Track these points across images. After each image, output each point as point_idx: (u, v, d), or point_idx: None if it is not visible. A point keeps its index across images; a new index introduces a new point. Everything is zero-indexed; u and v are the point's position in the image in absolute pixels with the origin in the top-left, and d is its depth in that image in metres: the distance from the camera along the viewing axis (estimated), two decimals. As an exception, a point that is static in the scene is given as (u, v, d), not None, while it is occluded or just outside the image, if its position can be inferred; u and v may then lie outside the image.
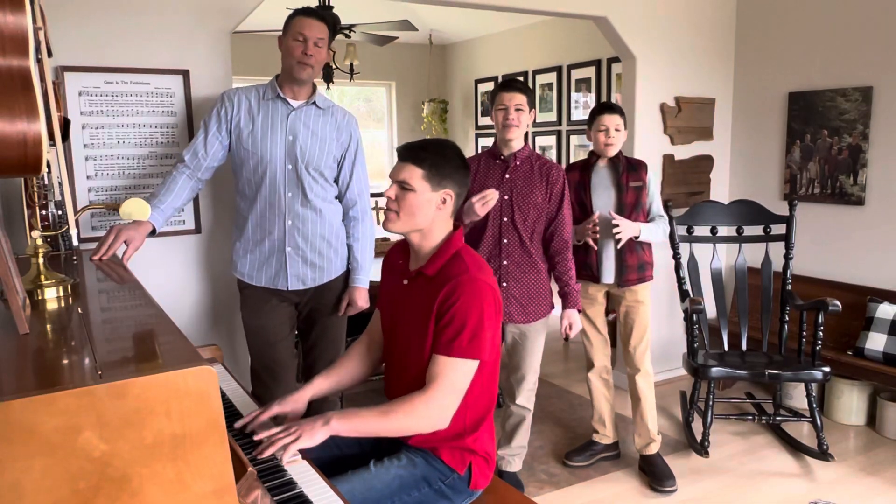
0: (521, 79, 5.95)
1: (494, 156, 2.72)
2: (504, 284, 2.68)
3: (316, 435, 1.55)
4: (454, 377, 1.62)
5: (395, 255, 1.88)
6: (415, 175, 1.67)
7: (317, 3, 4.91)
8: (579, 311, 2.78)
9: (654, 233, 2.98)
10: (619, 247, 2.93)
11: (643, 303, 3.03)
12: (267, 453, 1.52)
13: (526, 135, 2.73)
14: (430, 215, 1.69)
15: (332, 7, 4.94)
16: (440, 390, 1.61)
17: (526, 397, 2.83)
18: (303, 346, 2.73)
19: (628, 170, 2.99)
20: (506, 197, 2.65)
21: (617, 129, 2.94)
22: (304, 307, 2.63)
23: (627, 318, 3.06)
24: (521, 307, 2.69)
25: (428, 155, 1.68)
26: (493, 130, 2.72)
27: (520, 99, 2.61)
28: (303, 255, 2.51)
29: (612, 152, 2.97)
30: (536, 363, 2.81)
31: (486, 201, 2.46)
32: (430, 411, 1.61)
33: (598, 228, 2.89)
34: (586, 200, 2.99)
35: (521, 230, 2.65)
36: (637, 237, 2.92)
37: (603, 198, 2.99)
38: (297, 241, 2.50)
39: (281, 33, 2.46)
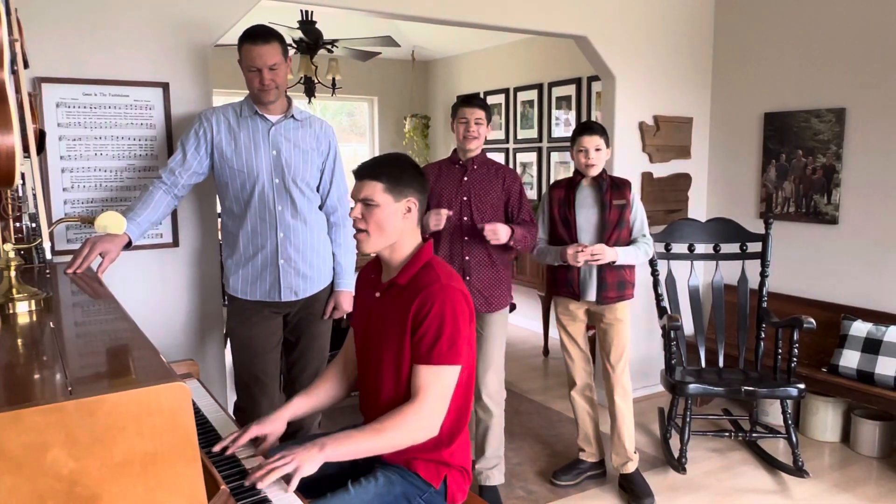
0: (503, 95, 6.03)
1: (453, 161, 2.92)
2: (468, 278, 2.81)
3: (314, 461, 1.53)
4: (440, 385, 1.63)
5: (368, 270, 1.91)
6: (376, 190, 1.69)
7: (300, 19, 4.92)
8: (510, 244, 2.75)
9: (634, 256, 2.96)
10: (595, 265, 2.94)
11: (622, 321, 3.03)
12: (265, 482, 1.46)
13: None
14: (399, 226, 1.72)
15: (314, 22, 4.96)
16: (428, 400, 1.62)
17: (492, 399, 2.86)
18: (287, 358, 2.72)
19: (612, 188, 2.99)
20: (465, 198, 2.82)
21: (597, 150, 2.93)
22: (292, 318, 2.64)
23: (606, 336, 3.05)
24: (483, 298, 2.83)
25: (384, 169, 1.71)
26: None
27: (479, 114, 2.84)
28: (295, 267, 2.53)
29: (594, 172, 2.97)
30: (500, 359, 2.89)
31: (441, 218, 2.66)
32: (421, 422, 1.63)
33: (586, 257, 2.83)
34: (570, 218, 2.99)
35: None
36: (615, 262, 2.91)
37: (587, 216, 2.99)
38: (290, 253, 2.51)
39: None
